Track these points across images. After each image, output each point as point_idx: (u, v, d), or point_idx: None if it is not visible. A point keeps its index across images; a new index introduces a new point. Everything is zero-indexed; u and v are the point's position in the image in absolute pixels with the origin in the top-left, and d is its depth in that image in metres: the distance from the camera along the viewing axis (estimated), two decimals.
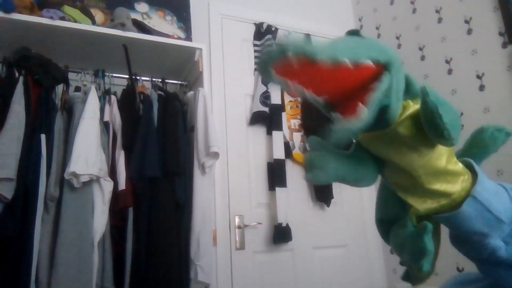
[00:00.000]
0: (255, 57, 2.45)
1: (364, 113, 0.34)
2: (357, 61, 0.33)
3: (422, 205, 0.41)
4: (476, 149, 0.46)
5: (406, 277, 0.47)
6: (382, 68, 0.36)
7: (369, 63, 0.34)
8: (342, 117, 0.34)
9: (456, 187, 0.40)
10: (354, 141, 0.44)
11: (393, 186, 0.44)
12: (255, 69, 2.41)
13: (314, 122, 2.29)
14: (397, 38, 2.51)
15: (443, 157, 0.40)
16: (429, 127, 0.36)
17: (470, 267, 0.49)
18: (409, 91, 0.40)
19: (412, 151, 0.39)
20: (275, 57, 0.33)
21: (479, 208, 0.39)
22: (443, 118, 0.35)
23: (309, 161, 0.41)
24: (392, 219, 0.47)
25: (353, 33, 0.39)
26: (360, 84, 0.35)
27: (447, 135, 0.35)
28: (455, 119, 0.36)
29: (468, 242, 0.42)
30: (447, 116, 0.35)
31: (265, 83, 2.29)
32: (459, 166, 0.41)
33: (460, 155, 0.44)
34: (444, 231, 0.45)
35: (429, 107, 0.35)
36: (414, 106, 0.39)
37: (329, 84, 0.35)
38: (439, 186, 0.40)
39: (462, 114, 1.98)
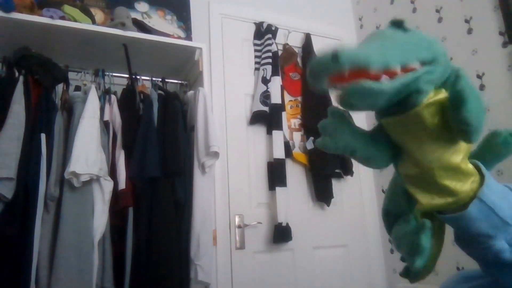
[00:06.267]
0: (255, 56, 2.45)
1: (388, 83, 0.34)
2: (406, 65, 0.34)
3: (429, 201, 0.41)
4: (488, 154, 0.46)
5: (405, 273, 0.47)
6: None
7: (417, 64, 0.35)
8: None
9: (465, 186, 0.40)
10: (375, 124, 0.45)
11: (404, 179, 0.43)
12: (256, 69, 2.41)
13: (314, 121, 2.29)
14: None
15: (459, 154, 0.40)
16: (453, 110, 0.36)
17: (470, 266, 0.49)
18: (447, 83, 0.40)
19: (430, 140, 0.39)
20: (329, 68, 0.33)
21: (486, 210, 0.39)
22: (468, 104, 0.35)
23: (322, 127, 0.41)
24: (397, 212, 0.48)
25: (397, 24, 0.39)
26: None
27: (465, 118, 0.35)
28: (480, 109, 0.36)
29: (473, 243, 0.42)
30: (473, 103, 0.35)
31: (264, 82, 2.29)
32: (471, 166, 0.41)
33: (472, 158, 0.43)
34: (447, 231, 0.45)
35: (457, 89, 0.35)
36: (444, 93, 0.38)
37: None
38: (450, 182, 0.40)
39: None
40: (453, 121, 0.37)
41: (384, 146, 0.43)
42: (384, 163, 0.44)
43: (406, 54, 0.35)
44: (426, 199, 0.41)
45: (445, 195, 0.40)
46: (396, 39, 0.36)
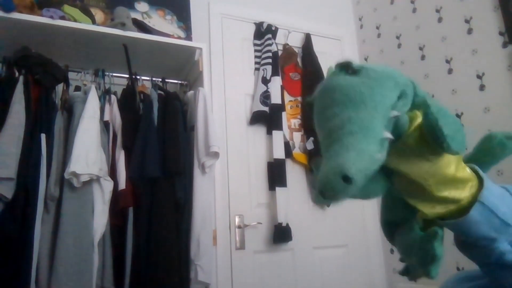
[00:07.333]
0: (255, 56, 2.45)
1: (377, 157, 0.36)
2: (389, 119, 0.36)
3: (431, 210, 0.41)
4: (484, 156, 0.46)
5: (405, 272, 0.48)
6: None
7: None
8: None
9: (464, 193, 0.40)
10: None
11: (402, 193, 0.44)
12: (256, 69, 2.41)
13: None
14: (397, 37, 2.50)
15: (452, 164, 0.40)
16: (431, 139, 0.37)
17: (470, 266, 0.49)
18: (414, 101, 0.40)
19: (422, 160, 0.39)
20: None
21: (486, 213, 0.39)
22: (444, 131, 0.35)
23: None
24: (398, 221, 0.48)
25: (345, 68, 0.38)
26: None
27: (447, 147, 0.36)
28: (457, 131, 0.37)
29: (475, 246, 0.42)
30: (448, 128, 0.36)
31: (264, 83, 2.30)
32: (467, 172, 0.41)
33: (468, 161, 0.44)
34: (446, 231, 0.45)
35: (429, 119, 0.36)
36: (419, 115, 0.39)
37: None
38: (448, 193, 0.40)
39: (462, 114, 1.98)
40: (436, 145, 0.37)
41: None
42: (382, 193, 0.44)
43: (382, 114, 0.36)
44: (427, 209, 0.41)
45: (446, 204, 0.41)
46: (364, 101, 0.36)
